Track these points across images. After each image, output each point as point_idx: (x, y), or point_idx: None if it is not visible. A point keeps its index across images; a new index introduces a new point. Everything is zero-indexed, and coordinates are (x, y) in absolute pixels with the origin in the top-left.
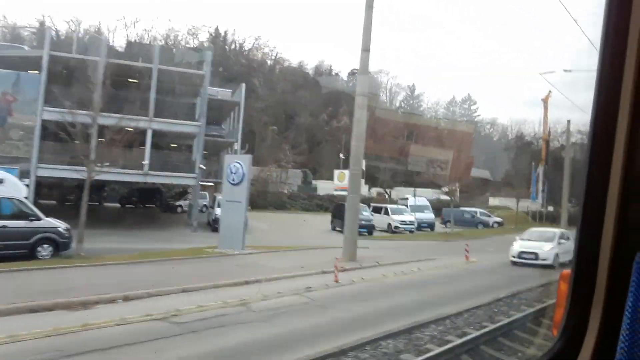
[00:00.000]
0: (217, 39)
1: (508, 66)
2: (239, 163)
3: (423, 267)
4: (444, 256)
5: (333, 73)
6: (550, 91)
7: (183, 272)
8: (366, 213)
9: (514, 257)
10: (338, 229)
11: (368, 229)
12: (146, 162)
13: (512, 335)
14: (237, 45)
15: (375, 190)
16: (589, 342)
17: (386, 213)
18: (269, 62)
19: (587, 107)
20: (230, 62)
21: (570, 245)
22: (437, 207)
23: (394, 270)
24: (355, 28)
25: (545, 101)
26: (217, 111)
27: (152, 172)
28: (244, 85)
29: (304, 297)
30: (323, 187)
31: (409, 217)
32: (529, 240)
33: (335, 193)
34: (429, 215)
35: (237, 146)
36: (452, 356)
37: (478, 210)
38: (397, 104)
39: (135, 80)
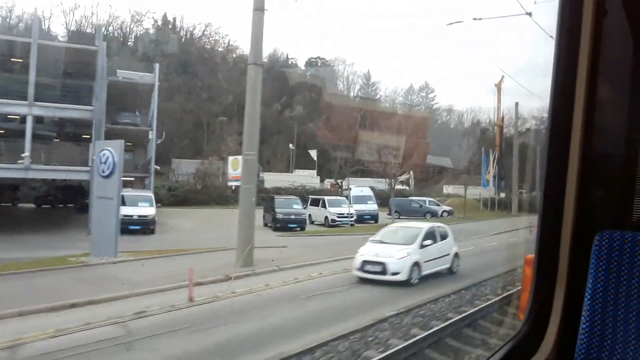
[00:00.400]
0: (166, 27)
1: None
2: (109, 150)
3: (332, 269)
4: None
5: (289, 62)
6: (503, 76)
7: (4, 292)
8: (297, 206)
9: (357, 269)
10: (269, 224)
11: (299, 224)
12: (27, 154)
13: None
14: (188, 33)
15: (328, 182)
16: (553, 323)
17: (323, 205)
18: (220, 49)
19: (543, 93)
20: (185, 53)
21: (444, 246)
22: (387, 197)
23: (290, 277)
24: (315, 14)
25: (498, 87)
26: (132, 97)
27: (34, 167)
28: (157, 65)
29: (120, 328)
30: (271, 180)
31: (346, 209)
32: (381, 242)
33: (230, 184)
34: (371, 207)
35: (152, 135)
36: None
37: (427, 199)
38: (355, 93)
39: (20, 60)
